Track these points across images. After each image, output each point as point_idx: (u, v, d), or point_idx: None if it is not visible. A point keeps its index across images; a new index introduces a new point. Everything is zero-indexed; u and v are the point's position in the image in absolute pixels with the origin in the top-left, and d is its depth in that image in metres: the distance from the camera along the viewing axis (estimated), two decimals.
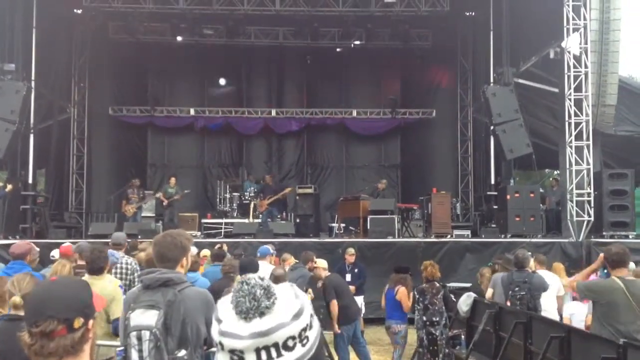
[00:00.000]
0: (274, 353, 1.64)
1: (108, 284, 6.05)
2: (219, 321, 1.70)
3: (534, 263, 9.46)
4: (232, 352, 1.66)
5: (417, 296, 9.38)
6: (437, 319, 9.12)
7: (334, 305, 9.75)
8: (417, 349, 9.78)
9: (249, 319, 1.64)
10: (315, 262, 10.56)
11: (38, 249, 7.88)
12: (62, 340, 2.03)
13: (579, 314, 8.29)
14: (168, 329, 3.72)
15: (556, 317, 8.60)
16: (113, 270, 7.88)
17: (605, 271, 6.96)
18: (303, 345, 1.68)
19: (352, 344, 10.07)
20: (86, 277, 5.98)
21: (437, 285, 9.43)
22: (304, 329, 1.68)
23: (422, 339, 9.36)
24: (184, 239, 4.17)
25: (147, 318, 3.74)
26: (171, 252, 4.01)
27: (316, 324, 1.75)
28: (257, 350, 1.64)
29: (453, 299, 10.02)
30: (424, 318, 9.26)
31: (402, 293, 9.86)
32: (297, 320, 1.68)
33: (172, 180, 19.37)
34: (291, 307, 1.69)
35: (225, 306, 1.71)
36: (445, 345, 9.21)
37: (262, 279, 1.71)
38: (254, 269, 6.96)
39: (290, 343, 1.65)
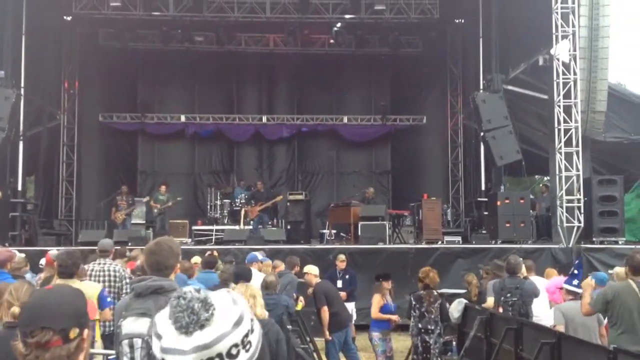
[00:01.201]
0: None
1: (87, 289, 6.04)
2: (159, 337, 1.68)
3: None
4: None
5: (414, 303, 9.27)
6: (432, 327, 9.06)
7: (325, 311, 9.74)
8: (410, 355, 9.76)
9: (189, 333, 1.63)
10: (304, 268, 10.56)
11: (24, 256, 7.84)
12: (58, 350, 2.00)
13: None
14: None
15: (548, 323, 8.61)
16: (102, 278, 7.86)
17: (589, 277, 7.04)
18: (247, 351, 1.68)
19: (343, 351, 10.06)
20: (58, 281, 5.97)
21: (435, 293, 9.37)
22: (246, 335, 1.68)
23: (416, 346, 9.31)
24: (176, 245, 4.18)
25: (139, 326, 3.72)
26: (168, 261, 4.01)
27: (257, 327, 1.75)
28: None
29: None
30: (420, 325, 9.19)
31: (373, 299, 10.12)
32: (239, 328, 1.67)
33: (163, 187, 19.33)
34: (231, 315, 1.68)
35: (163, 321, 1.69)
36: (438, 354, 9.17)
37: (198, 291, 1.69)
38: (248, 277, 6.96)
39: (234, 351, 1.65)
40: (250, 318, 1.72)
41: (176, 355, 1.63)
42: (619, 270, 9.83)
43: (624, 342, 5.85)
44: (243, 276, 6.80)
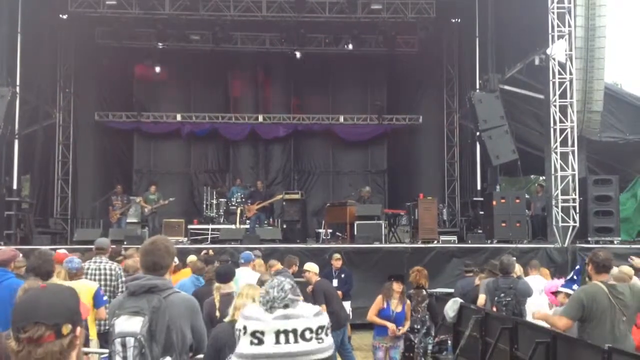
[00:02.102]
0: (291, 338, 1.82)
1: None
2: (243, 315, 1.86)
3: (529, 268, 9.52)
4: (253, 334, 1.80)
5: (410, 301, 9.35)
6: (418, 326, 9.06)
7: (323, 310, 9.75)
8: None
9: (273, 308, 1.81)
10: (304, 266, 10.55)
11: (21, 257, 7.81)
12: (50, 346, 2.00)
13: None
14: (153, 335, 3.71)
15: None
16: (98, 276, 7.85)
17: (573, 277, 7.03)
18: (318, 343, 1.81)
19: (339, 350, 10.06)
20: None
21: (424, 293, 9.39)
22: (321, 328, 1.84)
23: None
24: (172, 245, 4.20)
25: (131, 324, 3.72)
26: (164, 260, 4.03)
27: (331, 339, 1.92)
28: (277, 333, 1.79)
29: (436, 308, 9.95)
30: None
31: (376, 300, 9.27)
32: (317, 318, 1.85)
33: (153, 187, 19.36)
34: (312, 308, 1.89)
35: (253, 305, 1.89)
36: (423, 354, 9.14)
37: (292, 280, 1.91)
38: (230, 276, 6.90)
39: (307, 335, 1.80)
40: (328, 322, 1.90)
41: (257, 322, 1.81)
42: (614, 270, 9.85)
43: (595, 339, 5.84)
44: (225, 276, 6.76)
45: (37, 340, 1.98)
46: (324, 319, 1.85)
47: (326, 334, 1.86)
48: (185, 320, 3.86)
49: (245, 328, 1.80)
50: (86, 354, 5.30)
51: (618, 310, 5.87)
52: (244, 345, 1.80)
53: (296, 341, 1.78)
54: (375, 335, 9.18)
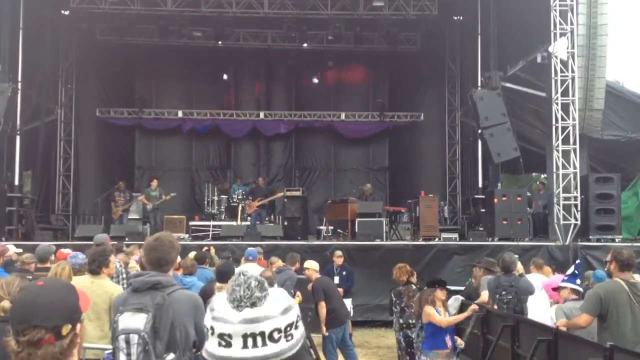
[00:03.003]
0: (259, 341, 1.77)
1: (110, 284, 6.04)
2: (212, 309, 1.81)
3: (532, 266, 9.52)
4: (220, 336, 1.77)
5: (394, 299, 9.44)
6: (414, 321, 9.15)
7: (322, 306, 9.76)
8: (397, 351, 9.81)
9: (240, 307, 1.77)
10: (304, 264, 10.57)
11: (29, 255, 7.83)
12: (50, 347, 2.00)
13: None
14: (156, 332, 3.71)
15: (546, 320, 8.61)
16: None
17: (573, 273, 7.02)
18: (287, 341, 1.80)
19: (340, 347, 10.07)
20: (88, 275, 5.97)
21: (414, 288, 9.45)
22: (290, 326, 1.80)
23: (399, 341, 9.42)
24: (176, 240, 4.21)
25: (135, 321, 3.72)
26: (169, 256, 4.04)
27: (301, 327, 1.87)
28: (245, 337, 1.75)
29: None
30: (401, 320, 9.30)
31: (425, 312, 7.92)
32: (285, 316, 1.80)
33: (154, 182, 19.26)
34: (280, 304, 1.81)
35: (220, 298, 1.83)
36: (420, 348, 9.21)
37: (258, 275, 1.84)
38: (232, 272, 6.88)
39: (275, 335, 1.77)
40: (297, 314, 1.85)
41: (224, 324, 1.76)
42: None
43: (607, 338, 5.84)
44: (224, 275, 6.69)
45: (37, 343, 1.98)
46: (293, 314, 1.82)
47: (296, 327, 1.84)
48: (189, 317, 3.87)
49: (212, 329, 1.78)
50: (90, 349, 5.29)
51: (638, 308, 5.87)
52: (212, 345, 1.79)
53: (264, 344, 1.75)
54: (426, 349, 7.94)
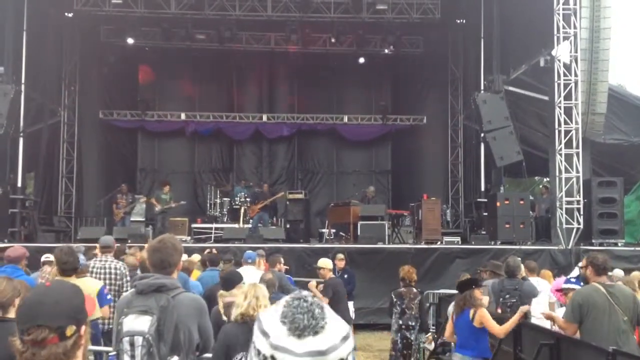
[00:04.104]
0: None
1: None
2: (267, 335, 1.66)
3: (525, 269, 9.48)
4: None
5: (395, 300, 9.43)
6: (413, 323, 9.16)
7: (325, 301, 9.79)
8: (390, 352, 9.79)
9: (303, 336, 1.62)
10: (318, 262, 10.58)
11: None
12: (54, 348, 2.01)
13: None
14: (161, 334, 3.72)
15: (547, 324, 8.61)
16: (103, 275, 7.86)
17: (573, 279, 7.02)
18: None
19: None
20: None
21: (415, 290, 9.47)
22: (350, 353, 1.67)
23: (395, 342, 9.40)
24: (179, 243, 4.21)
25: (140, 323, 3.73)
26: (172, 258, 4.04)
27: (354, 356, 1.77)
28: None
29: (428, 306, 9.95)
30: (400, 322, 9.30)
31: (478, 315, 7.09)
32: (345, 343, 1.67)
33: (167, 187, 19.16)
34: (341, 330, 1.69)
35: (272, 320, 1.68)
36: (417, 350, 9.22)
37: (318, 300, 1.70)
38: (237, 281, 6.80)
39: None
40: (353, 337, 1.72)
41: (288, 355, 1.62)
42: (618, 272, 9.86)
43: (596, 339, 5.88)
44: (228, 283, 6.60)
45: (41, 343, 1.99)
46: (351, 342, 1.69)
47: (354, 351, 1.76)
48: (193, 319, 3.88)
49: (273, 358, 1.63)
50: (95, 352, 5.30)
51: (618, 310, 5.90)
52: None
53: None
54: (474, 356, 7.21)
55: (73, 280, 6.00)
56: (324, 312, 1.67)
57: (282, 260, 10.80)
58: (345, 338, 1.67)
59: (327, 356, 1.61)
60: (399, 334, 9.28)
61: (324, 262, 10.43)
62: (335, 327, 1.68)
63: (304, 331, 1.61)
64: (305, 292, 1.72)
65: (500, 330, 7.06)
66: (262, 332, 1.67)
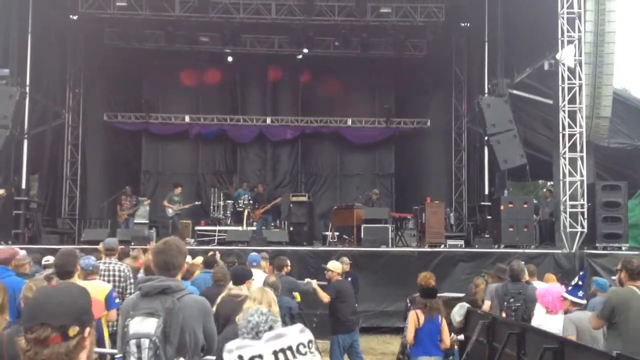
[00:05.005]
0: (290, 356, 1.74)
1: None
2: (231, 350, 1.84)
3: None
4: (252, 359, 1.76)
5: (410, 305, 9.37)
6: None
7: (325, 296, 9.83)
8: (398, 355, 9.77)
9: (260, 333, 1.75)
10: (327, 264, 10.59)
11: (24, 254, 7.84)
12: (57, 347, 2.02)
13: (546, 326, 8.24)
14: (167, 336, 3.72)
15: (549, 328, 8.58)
16: (107, 277, 7.87)
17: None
18: (313, 356, 1.77)
19: (349, 355, 10.06)
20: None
21: None
22: (311, 342, 1.78)
23: (405, 346, 9.35)
24: (184, 245, 4.22)
25: (146, 326, 3.74)
26: (177, 260, 4.05)
27: (318, 355, 1.85)
28: (275, 353, 1.76)
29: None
30: None
31: (444, 325, 8.21)
32: (304, 333, 1.82)
33: (179, 189, 19.26)
34: (296, 326, 1.87)
35: (234, 342, 1.88)
36: None
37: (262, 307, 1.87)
38: (248, 276, 6.93)
39: (302, 349, 1.79)
40: (313, 336, 1.88)
41: (251, 347, 1.78)
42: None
43: (619, 347, 5.86)
44: (239, 277, 6.76)
45: (44, 342, 2.01)
46: (309, 333, 1.82)
47: (316, 348, 1.85)
48: (198, 321, 3.89)
49: (241, 357, 1.77)
50: (99, 354, 5.30)
51: None
52: None
53: (295, 357, 1.75)
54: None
55: (80, 282, 6.01)
56: (273, 313, 1.82)
57: (288, 263, 10.80)
58: (302, 330, 1.81)
59: (284, 338, 1.74)
60: None
61: (333, 265, 10.44)
62: (288, 327, 1.85)
63: (259, 327, 1.76)
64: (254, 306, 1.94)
65: (447, 337, 8.13)
66: (228, 350, 1.87)
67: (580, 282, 7.34)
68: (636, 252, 14.85)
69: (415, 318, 8.05)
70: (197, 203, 19.30)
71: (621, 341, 5.91)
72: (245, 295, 6.24)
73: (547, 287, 8.66)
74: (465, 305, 9.96)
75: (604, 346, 6.35)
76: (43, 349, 2.00)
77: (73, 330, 2.04)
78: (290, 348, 1.75)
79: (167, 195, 19.34)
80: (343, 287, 10.19)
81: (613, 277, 9.08)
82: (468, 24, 21.65)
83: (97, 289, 6.60)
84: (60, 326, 2.02)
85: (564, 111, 15.55)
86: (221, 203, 20.71)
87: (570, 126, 15.54)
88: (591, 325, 6.40)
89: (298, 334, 1.78)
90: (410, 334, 8.12)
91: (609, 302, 6.35)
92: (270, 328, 1.79)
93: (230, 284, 6.69)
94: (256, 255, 10.41)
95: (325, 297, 9.93)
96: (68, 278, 5.97)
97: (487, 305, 9.22)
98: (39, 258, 9.79)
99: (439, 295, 11.91)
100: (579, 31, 15.51)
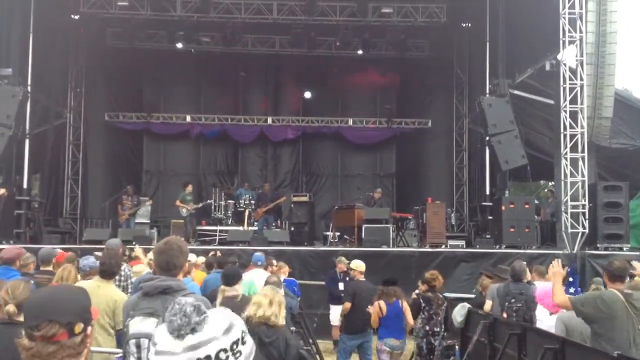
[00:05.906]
0: None
1: (115, 291, 6.04)
2: (154, 344, 1.77)
3: (534, 274, 9.48)
4: None
5: (424, 304, 9.28)
6: (438, 329, 9.13)
7: (345, 307, 9.90)
8: (414, 357, 9.73)
9: (181, 336, 1.73)
10: (350, 264, 10.63)
11: (29, 254, 7.84)
12: (65, 343, 2.04)
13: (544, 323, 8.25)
14: None
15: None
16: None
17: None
18: (236, 358, 1.75)
19: (359, 355, 10.05)
20: (96, 279, 5.97)
21: (441, 296, 9.45)
22: (235, 343, 1.76)
23: (421, 348, 9.29)
24: (185, 245, 4.22)
25: (146, 326, 3.74)
26: (178, 260, 4.04)
27: (250, 340, 1.84)
28: None
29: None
30: (427, 327, 9.18)
31: (406, 308, 9.17)
32: (228, 335, 1.76)
33: (189, 187, 19.31)
34: (221, 324, 1.77)
35: (161, 330, 1.79)
36: (440, 356, 9.19)
37: (193, 300, 1.79)
38: (239, 277, 6.92)
39: (222, 356, 1.73)
40: (241, 330, 1.81)
41: (168, 357, 1.72)
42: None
43: (599, 346, 5.86)
44: (230, 278, 6.74)
45: (51, 338, 2.02)
46: (237, 331, 1.78)
47: (243, 343, 1.81)
48: None
49: None
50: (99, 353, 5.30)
51: (636, 319, 5.85)
52: None
53: None
54: (402, 338, 9.31)
55: (80, 282, 6.00)
56: (200, 310, 1.76)
57: (273, 262, 10.80)
58: (228, 330, 1.77)
59: (202, 349, 1.72)
60: (425, 340, 9.20)
61: (355, 264, 10.43)
62: (215, 321, 1.77)
63: (180, 330, 1.73)
64: (180, 297, 1.84)
65: (411, 319, 9.08)
66: (152, 343, 1.79)
67: (571, 279, 7.35)
68: (637, 253, 14.86)
69: (377, 309, 8.97)
70: (209, 201, 19.36)
71: (606, 347, 5.87)
72: (242, 295, 6.26)
73: (546, 290, 8.67)
74: (467, 305, 9.96)
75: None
76: (49, 346, 2.02)
77: (78, 327, 2.07)
78: (208, 357, 1.71)
79: (179, 195, 19.27)
80: (358, 289, 10.11)
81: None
82: (469, 24, 21.63)
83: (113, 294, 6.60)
84: (67, 323, 2.04)
85: (565, 111, 15.54)
86: (222, 203, 20.72)
87: (571, 126, 15.53)
88: (558, 297, 6.32)
89: (221, 336, 1.75)
90: (374, 322, 9.13)
91: (593, 299, 6.12)
92: (193, 330, 1.75)
93: (222, 286, 6.68)
94: (260, 255, 10.41)
95: (344, 309, 9.94)
96: (110, 278, 6.01)
97: (488, 305, 9.22)
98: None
99: (447, 295, 11.94)
100: (581, 31, 15.50)
